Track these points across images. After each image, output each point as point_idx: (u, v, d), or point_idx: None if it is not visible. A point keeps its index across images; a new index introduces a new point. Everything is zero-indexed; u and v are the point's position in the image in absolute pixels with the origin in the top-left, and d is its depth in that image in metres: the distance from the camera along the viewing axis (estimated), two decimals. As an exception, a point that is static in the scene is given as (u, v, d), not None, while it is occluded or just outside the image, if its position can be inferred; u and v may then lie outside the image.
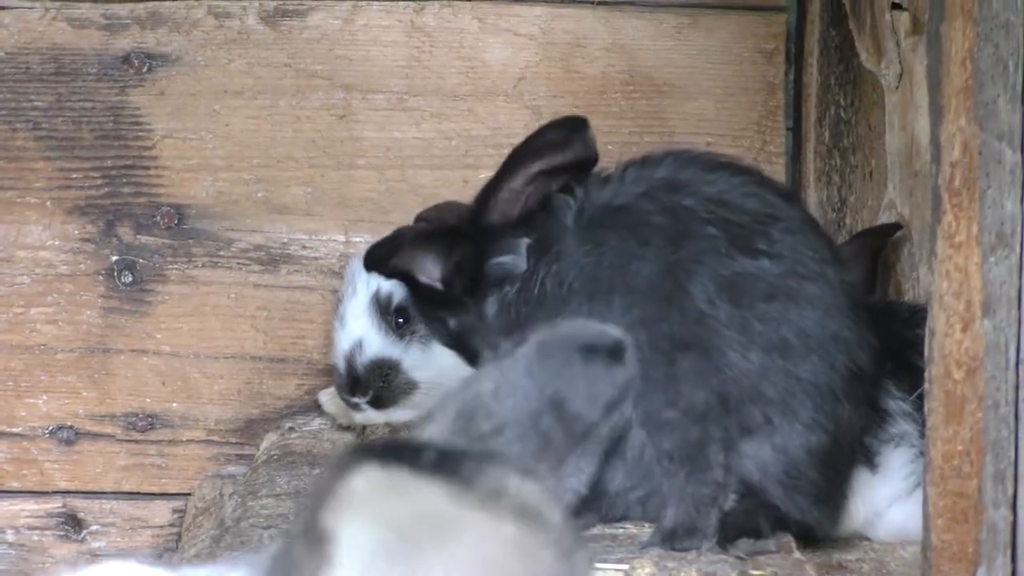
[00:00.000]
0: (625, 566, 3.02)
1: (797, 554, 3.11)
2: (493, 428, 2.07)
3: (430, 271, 3.49)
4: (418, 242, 3.54)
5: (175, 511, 4.02)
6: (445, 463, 1.81)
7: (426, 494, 1.79)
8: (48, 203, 4.24)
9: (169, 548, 4.13)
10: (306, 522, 1.77)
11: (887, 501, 3.36)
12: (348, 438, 3.96)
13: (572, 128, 3.39)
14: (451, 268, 3.44)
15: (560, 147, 3.37)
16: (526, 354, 2.14)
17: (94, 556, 4.17)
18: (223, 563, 2.01)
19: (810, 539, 3.19)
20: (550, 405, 2.14)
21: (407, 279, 3.60)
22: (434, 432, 2.06)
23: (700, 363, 3.21)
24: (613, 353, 2.18)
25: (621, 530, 3.24)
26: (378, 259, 3.58)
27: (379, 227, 3.91)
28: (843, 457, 3.26)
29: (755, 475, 3.18)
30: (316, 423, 4.08)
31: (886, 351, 3.30)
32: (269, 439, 4.05)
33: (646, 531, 3.21)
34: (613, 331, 2.19)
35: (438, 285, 3.47)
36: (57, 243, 4.24)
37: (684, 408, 3.20)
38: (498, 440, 2.07)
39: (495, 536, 1.80)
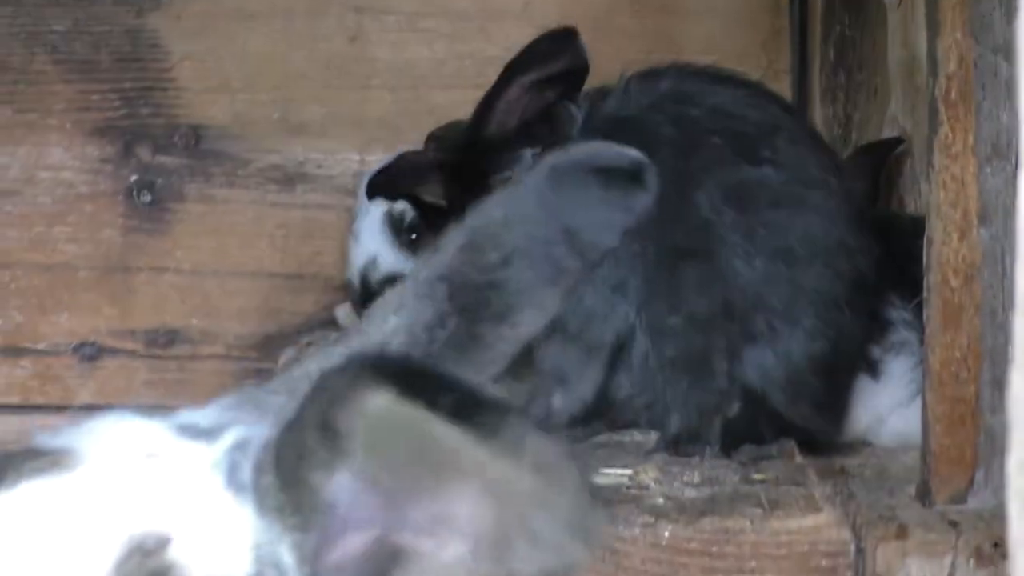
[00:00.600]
0: (630, 471, 3.04)
1: (799, 459, 3.13)
2: (502, 258, 2.01)
3: (433, 191, 3.50)
4: (418, 165, 3.56)
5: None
6: (465, 410, 1.70)
7: (439, 437, 1.70)
8: (68, 125, 4.26)
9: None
10: (320, 416, 1.75)
11: (889, 408, 3.37)
12: (362, 355, 3.98)
13: (563, 38, 3.39)
14: (454, 186, 3.45)
15: (553, 56, 3.36)
16: (537, 179, 2.07)
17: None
18: (226, 407, 1.95)
19: (813, 445, 3.20)
20: (563, 233, 2.07)
21: (412, 201, 3.63)
22: (441, 263, 2.01)
23: (704, 271, 3.23)
24: (632, 175, 2.10)
25: (628, 438, 3.26)
26: (380, 186, 3.60)
27: (393, 146, 3.92)
28: (844, 364, 3.28)
29: (758, 382, 3.19)
30: (333, 338, 4.10)
31: (888, 261, 3.31)
32: (287, 354, 4.07)
33: (652, 438, 3.24)
34: (632, 152, 2.12)
35: (443, 203, 3.48)
36: (77, 164, 4.25)
37: (687, 316, 3.22)
38: (507, 271, 2.02)
39: (507, 488, 1.73)
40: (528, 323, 2.00)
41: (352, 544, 1.77)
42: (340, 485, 1.73)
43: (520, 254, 1.99)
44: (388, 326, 1.97)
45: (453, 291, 1.95)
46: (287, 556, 1.77)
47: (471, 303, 1.95)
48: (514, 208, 2.03)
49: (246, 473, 1.76)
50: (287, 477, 1.72)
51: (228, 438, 1.81)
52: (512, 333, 1.99)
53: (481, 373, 1.98)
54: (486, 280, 1.97)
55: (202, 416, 1.91)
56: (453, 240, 1.98)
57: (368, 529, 1.77)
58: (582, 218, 2.02)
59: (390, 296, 1.99)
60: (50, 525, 1.85)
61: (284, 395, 1.90)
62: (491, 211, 2.02)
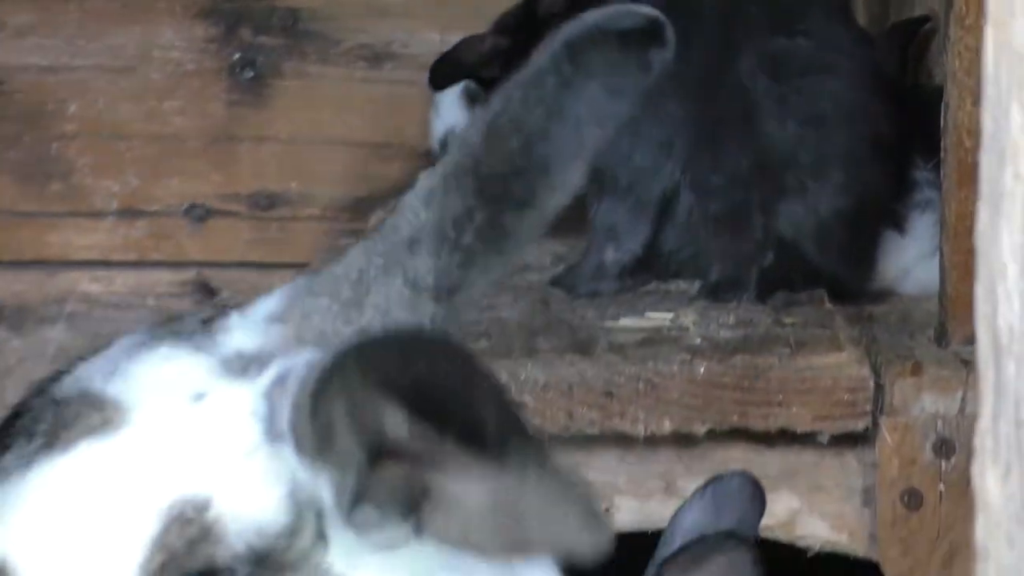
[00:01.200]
0: (671, 314, 3.07)
1: (828, 305, 3.14)
2: (523, 143, 1.91)
3: (493, 72, 3.51)
4: (475, 49, 3.57)
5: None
6: (472, 438, 1.69)
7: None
8: (177, 8, 4.29)
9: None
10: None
11: (913, 260, 3.37)
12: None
13: None
14: (510, 68, 3.44)
15: None
16: (553, 52, 1.94)
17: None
18: (273, 316, 1.91)
19: (842, 293, 3.21)
20: (584, 103, 1.96)
21: (477, 80, 3.65)
22: (467, 153, 1.88)
23: (742, 133, 3.23)
24: (649, 33, 1.98)
25: (673, 286, 3.28)
26: (441, 72, 3.62)
27: (473, 27, 3.92)
28: (870, 218, 3.28)
29: (791, 235, 3.19)
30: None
31: (914, 127, 3.31)
32: (377, 216, 4.09)
33: (694, 286, 3.26)
34: (645, 9, 1.98)
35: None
36: (185, 44, 4.29)
37: (727, 174, 3.23)
38: (529, 155, 1.92)
39: (512, 497, 1.71)
40: (554, 203, 1.93)
41: (387, 478, 1.74)
42: (376, 421, 1.71)
43: (541, 134, 1.90)
44: (419, 220, 1.86)
45: (479, 183, 1.86)
46: (326, 498, 1.75)
47: (497, 194, 1.87)
48: (533, 87, 1.93)
49: (284, 419, 1.73)
50: (323, 420, 1.69)
51: (269, 373, 1.78)
52: (538, 215, 1.91)
53: (511, 259, 1.91)
54: (510, 168, 1.89)
55: (248, 336, 1.87)
56: (477, 127, 1.89)
57: (403, 463, 1.74)
58: (600, 83, 1.93)
59: (422, 185, 1.89)
60: (97, 495, 1.86)
61: (327, 297, 1.86)
62: (511, 93, 1.92)
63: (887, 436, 2.86)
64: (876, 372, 2.87)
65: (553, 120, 1.89)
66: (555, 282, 3.29)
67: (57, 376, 2.54)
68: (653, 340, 2.96)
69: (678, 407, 2.84)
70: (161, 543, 1.77)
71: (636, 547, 3.03)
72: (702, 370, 2.85)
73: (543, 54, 1.92)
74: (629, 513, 2.92)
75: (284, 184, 4.36)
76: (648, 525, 2.90)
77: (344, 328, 1.83)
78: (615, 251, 3.25)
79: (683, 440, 2.88)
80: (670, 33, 1.94)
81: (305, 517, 1.79)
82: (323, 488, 1.75)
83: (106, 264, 4.25)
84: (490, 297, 3.23)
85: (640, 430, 2.84)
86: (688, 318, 3.04)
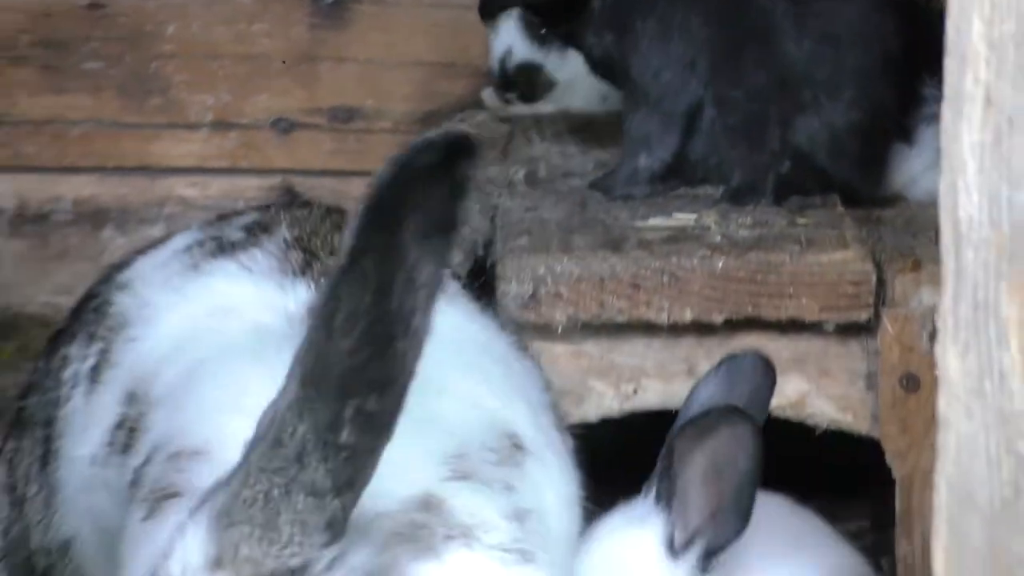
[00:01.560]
0: (695, 215, 3.06)
1: (840, 209, 3.13)
2: (363, 332, 1.75)
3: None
4: None
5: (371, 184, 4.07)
6: None
7: None
8: (266, -62, 4.31)
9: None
10: None
11: (920, 170, 3.34)
12: (504, 128, 3.98)
13: None
14: None
15: None
16: (362, 233, 1.70)
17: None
18: None
19: (853, 199, 3.19)
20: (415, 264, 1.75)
21: (526, 8, 3.63)
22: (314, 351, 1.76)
23: (761, 52, 3.20)
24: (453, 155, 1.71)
25: (699, 191, 3.26)
26: (489, 6, 3.61)
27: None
28: (880, 131, 3.25)
29: (805, 145, 3.17)
30: (480, 116, 4.11)
31: (921, 44, 3.27)
32: (445, 127, 4.11)
33: (718, 191, 3.24)
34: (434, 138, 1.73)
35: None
36: (272, -30, 4.32)
37: (747, 89, 3.21)
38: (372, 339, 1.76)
39: None
40: (414, 355, 1.77)
41: None
42: None
43: (379, 314, 1.72)
44: (298, 435, 1.77)
45: (337, 384, 1.73)
46: None
47: (356, 386, 1.74)
48: (354, 275, 1.71)
49: None
50: None
51: None
52: (401, 382, 1.77)
53: (394, 425, 1.81)
54: (360, 359, 1.73)
55: None
56: (317, 331, 1.74)
57: None
58: (417, 232, 1.69)
59: (286, 397, 1.77)
60: None
61: (246, 525, 1.84)
62: (338, 288, 1.72)
63: (888, 326, 2.85)
64: (879, 268, 2.86)
65: (382, 296, 1.71)
66: (593, 186, 3.29)
67: (121, 265, 2.56)
68: (678, 238, 2.96)
69: (698, 298, 2.84)
70: None
71: (662, 425, 3.06)
72: (720, 265, 2.85)
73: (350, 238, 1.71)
74: (655, 394, 2.93)
75: (361, 100, 4.34)
76: (673, 405, 2.90)
77: (267, 552, 1.80)
78: (647, 159, 3.24)
79: (703, 328, 2.88)
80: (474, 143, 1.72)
81: None
82: None
83: (201, 171, 4.26)
84: (534, 199, 3.24)
85: (664, 318, 2.85)
86: (710, 219, 3.04)
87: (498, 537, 1.99)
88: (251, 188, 4.25)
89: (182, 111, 4.27)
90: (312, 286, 2.22)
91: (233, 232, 2.40)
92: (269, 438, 1.78)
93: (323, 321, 1.73)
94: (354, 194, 4.15)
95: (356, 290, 1.70)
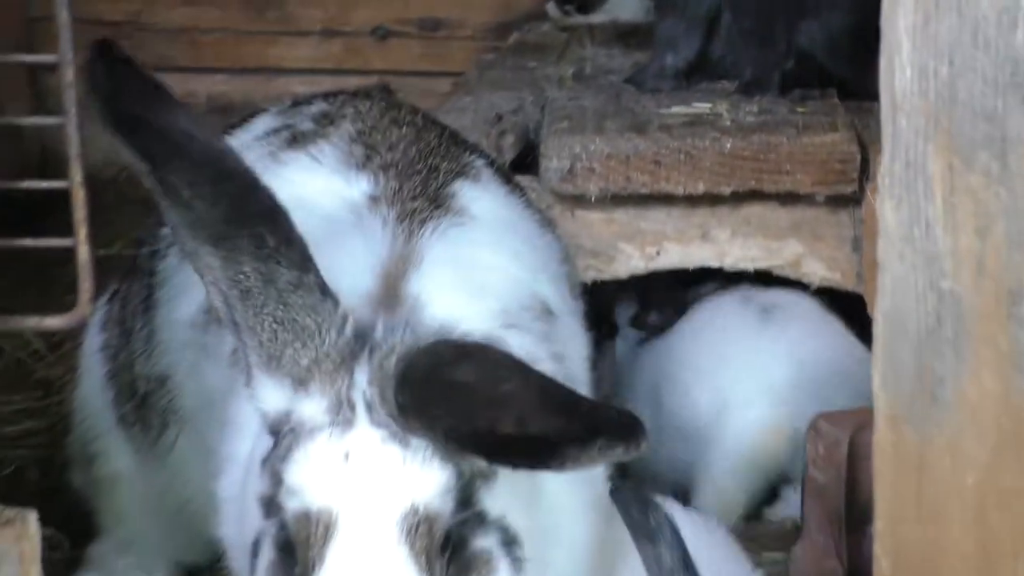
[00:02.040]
0: (710, 104, 3.04)
1: (835, 100, 3.08)
2: None
3: None
4: None
5: (453, 83, 4.04)
6: None
7: None
8: None
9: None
10: None
11: None
12: (562, 36, 3.95)
13: None
14: None
15: None
16: None
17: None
18: None
19: (848, 93, 3.13)
20: None
21: None
22: None
23: None
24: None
25: (718, 85, 3.20)
26: None
27: None
28: (872, 33, 3.18)
29: (807, 46, 3.12)
30: (544, 26, 4.09)
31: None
32: (514, 36, 4.07)
33: (732, 85, 3.20)
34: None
35: None
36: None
37: None
38: None
39: None
40: None
41: None
42: None
43: None
44: None
45: None
46: None
47: None
48: None
49: None
50: None
51: None
52: None
53: None
54: None
55: None
56: None
57: None
58: None
59: None
60: None
61: None
62: None
63: (871, 198, 2.83)
64: (863, 149, 2.82)
65: None
66: (627, 81, 3.27)
67: (228, 129, 2.55)
68: (694, 123, 2.94)
69: (709, 173, 2.82)
70: None
71: (680, 279, 3.06)
72: (728, 145, 2.83)
73: None
74: (675, 255, 2.92)
75: (446, 12, 4.35)
76: (688, 264, 2.92)
77: None
78: (673, 58, 3.21)
79: (714, 199, 2.86)
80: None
81: None
82: None
83: (311, 72, 4.28)
84: (578, 92, 3.23)
85: (680, 191, 2.83)
86: (722, 107, 3.01)
87: (548, 367, 1.98)
88: (352, 86, 4.25)
89: (296, 21, 4.30)
90: (372, 178, 2.18)
91: (304, 122, 2.36)
92: None
93: None
94: (438, 91, 4.18)
95: None
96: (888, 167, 1.74)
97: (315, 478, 1.78)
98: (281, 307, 1.78)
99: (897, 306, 1.75)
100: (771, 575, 2.43)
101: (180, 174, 1.75)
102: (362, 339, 1.82)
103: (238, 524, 1.97)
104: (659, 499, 2.20)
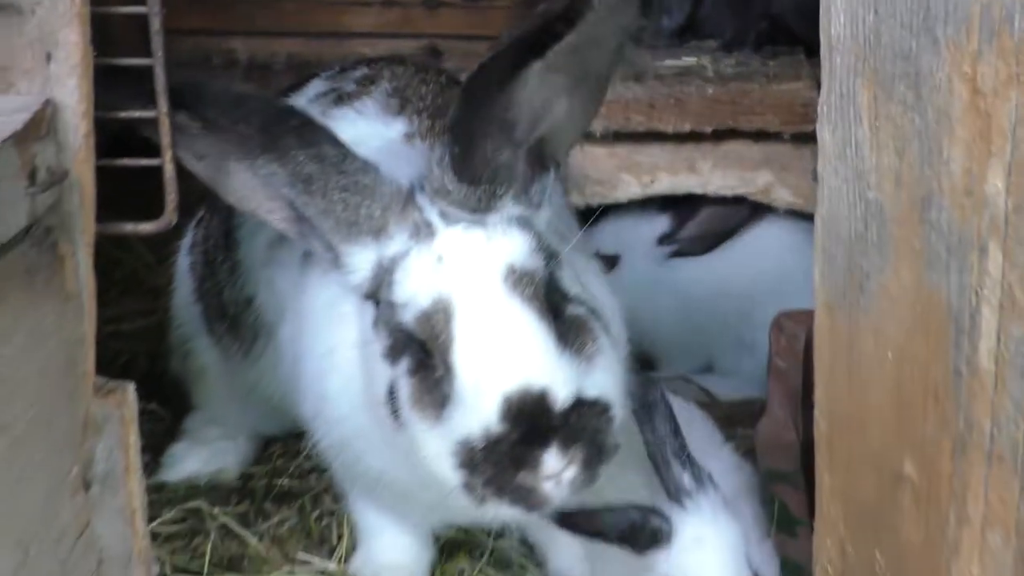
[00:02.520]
0: (695, 58, 3.03)
1: (801, 56, 3.07)
2: None
3: None
4: None
5: (490, 46, 3.98)
6: None
7: None
8: None
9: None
10: None
11: None
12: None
13: None
14: None
15: None
16: None
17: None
18: None
19: (812, 50, 3.10)
20: None
21: None
22: None
23: None
24: None
25: (704, 44, 3.18)
26: None
27: None
28: None
29: (778, 10, 3.10)
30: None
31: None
32: (541, 6, 4.04)
33: (715, 43, 3.18)
34: None
35: None
36: None
37: None
38: None
39: None
40: None
41: None
42: None
43: None
44: None
45: None
46: None
47: None
48: None
49: None
50: None
51: None
52: None
53: None
54: None
55: None
56: None
57: None
58: None
59: None
60: None
61: None
62: None
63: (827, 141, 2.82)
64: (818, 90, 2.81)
65: None
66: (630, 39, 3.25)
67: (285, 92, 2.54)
68: (683, 73, 2.94)
69: (694, 114, 2.83)
70: None
71: (670, 201, 3.06)
72: (710, 91, 2.84)
73: None
74: (667, 184, 2.94)
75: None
76: (677, 191, 2.93)
77: None
78: (668, 21, 3.19)
79: (698, 136, 2.87)
80: None
81: None
82: None
83: (373, 35, 4.24)
84: None
85: (671, 129, 2.84)
86: (706, 61, 3.00)
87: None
88: (407, 48, 4.23)
89: (358, -9, 4.27)
90: (407, 121, 2.19)
91: (348, 85, 2.35)
92: None
93: None
94: (479, 53, 4.11)
95: None
96: (826, 98, 1.74)
97: (420, 285, 1.78)
98: (341, 176, 1.81)
99: (832, 212, 1.76)
100: (740, 447, 2.43)
101: (210, 109, 1.81)
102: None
103: (349, 394, 1.97)
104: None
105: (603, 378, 1.80)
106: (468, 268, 1.77)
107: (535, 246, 1.80)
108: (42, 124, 1.66)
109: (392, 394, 1.84)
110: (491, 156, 1.78)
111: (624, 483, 2.08)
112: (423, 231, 1.81)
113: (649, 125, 2.83)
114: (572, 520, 2.00)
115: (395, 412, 1.83)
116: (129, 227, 1.85)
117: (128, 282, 3.32)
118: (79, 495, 1.81)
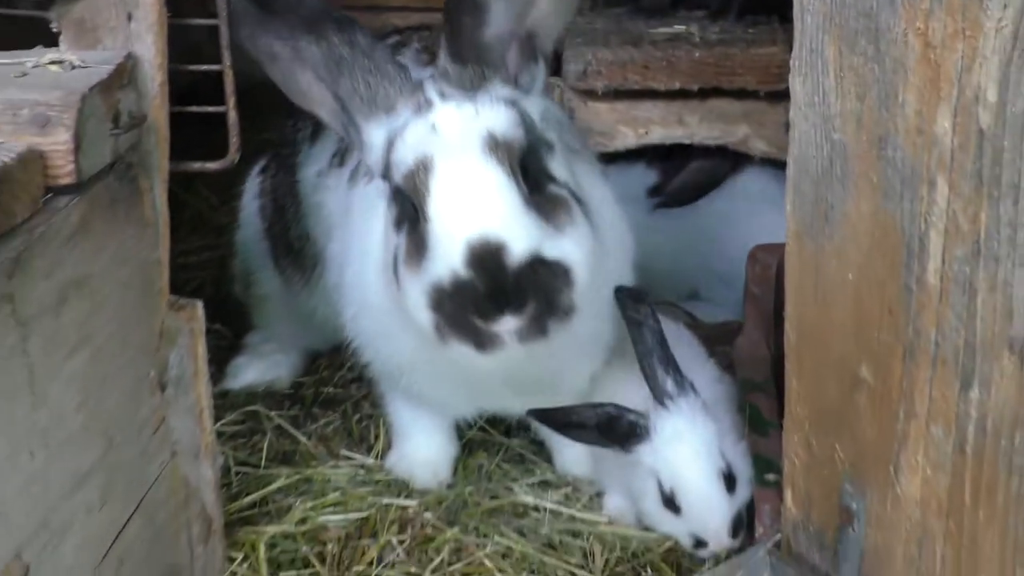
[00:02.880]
0: (684, 26, 2.95)
1: (776, 24, 2.98)
2: None
3: None
4: None
5: None
6: None
7: None
8: None
9: None
10: None
11: None
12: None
13: None
14: None
15: None
16: None
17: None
18: None
19: (786, 19, 3.04)
20: None
21: None
22: None
23: None
24: None
25: (693, 14, 3.04)
26: None
27: None
28: None
29: None
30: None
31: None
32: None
33: (702, 14, 3.12)
34: None
35: None
36: None
37: None
38: None
39: None
40: None
41: None
42: None
43: None
44: None
45: None
46: None
47: None
48: None
49: None
50: None
51: None
52: None
53: None
54: None
55: None
56: None
57: None
58: None
59: None
60: None
61: None
62: None
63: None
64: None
65: None
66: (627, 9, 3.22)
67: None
68: (673, 39, 2.89)
69: (683, 74, 2.80)
70: None
71: (662, 151, 3.05)
72: (697, 55, 2.80)
73: None
74: (659, 134, 2.89)
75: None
76: (668, 140, 2.91)
77: None
78: None
79: (686, 94, 2.84)
80: None
81: None
82: None
83: (407, 9, 4.18)
84: (591, 18, 3.17)
85: (663, 88, 2.82)
86: (694, 28, 2.96)
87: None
88: (434, 19, 4.17)
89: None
90: (434, 70, 2.15)
91: None
92: None
93: None
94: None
95: None
96: (797, 53, 1.74)
97: (412, 147, 1.79)
98: (367, 60, 1.83)
99: (802, 153, 1.76)
100: (721, 363, 2.44)
101: None
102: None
103: (368, 275, 1.98)
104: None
105: (569, 245, 1.78)
106: (453, 133, 1.78)
107: (518, 122, 1.80)
108: (124, 74, 1.68)
109: (395, 258, 1.86)
110: (478, 40, 1.79)
111: (621, 387, 2.09)
112: (423, 107, 1.82)
113: (644, 84, 2.80)
114: (549, 416, 2.00)
115: (396, 273, 1.85)
116: (197, 165, 1.87)
117: (195, 221, 3.34)
118: (156, 395, 1.83)
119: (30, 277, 1.49)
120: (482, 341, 1.73)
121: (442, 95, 1.82)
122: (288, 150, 2.53)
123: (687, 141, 2.90)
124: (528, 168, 1.80)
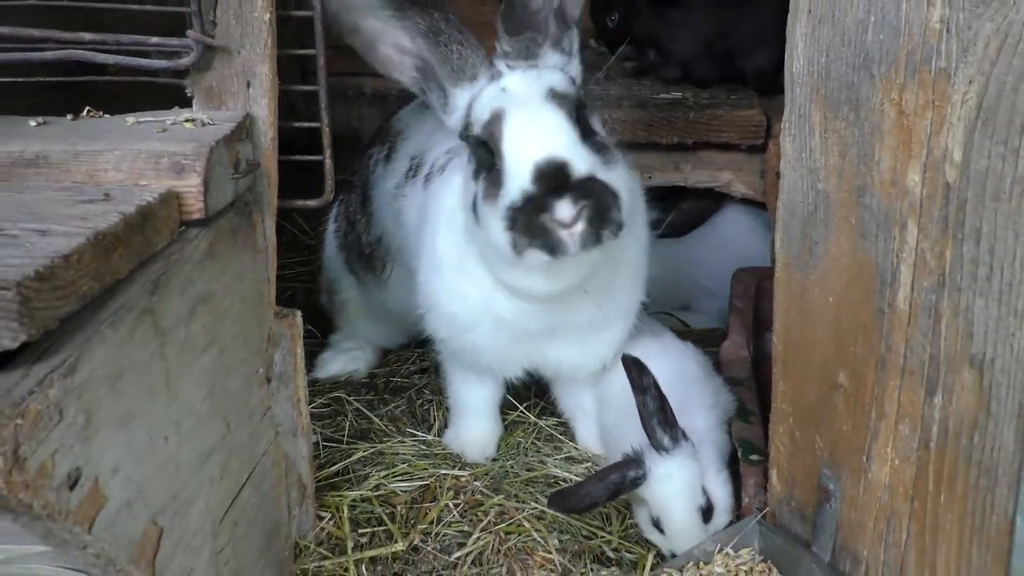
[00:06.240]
0: (681, 93, 2.89)
1: (752, 92, 2.92)
2: None
3: None
4: None
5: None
6: None
7: None
8: None
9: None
10: None
11: None
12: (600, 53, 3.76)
13: None
14: None
15: None
16: None
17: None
18: None
19: (763, 91, 2.93)
20: None
21: None
22: None
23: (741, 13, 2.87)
24: None
25: (687, 84, 3.07)
26: None
27: None
28: (779, 68, 2.89)
29: (741, 69, 2.94)
30: (588, 49, 3.91)
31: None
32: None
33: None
34: None
35: None
36: None
37: (726, 39, 2.91)
38: None
39: None
40: None
41: None
42: None
43: None
44: None
45: None
46: None
47: None
48: None
49: None
50: None
51: None
52: None
53: None
54: None
55: None
56: None
57: None
58: None
59: None
60: None
61: None
62: None
63: (771, 147, 2.72)
64: (768, 118, 2.71)
65: None
66: (637, 76, 3.11)
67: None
68: (673, 103, 2.79)
69: (680, 131, 2.72)
70: None
71: (663, 194, 2.96)
72: (691, 116, 2.72)
73: None
74: (659, 179, 2.83)
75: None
76: (667, 183, 2.83)
77: None
78: (671, 72, 3.02)
79: (683, 147, 2.77)
80: None
81: None
82: None
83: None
84: (606, 85, 3.07)
85: (664, 142, 2.74)
86: (689, 94, 2.88)
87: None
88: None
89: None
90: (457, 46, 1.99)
91: None
92: None
93: None
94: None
95: None
96: (788, 116, 1.65)
97: (487, 104, 1.73)
98: (459, 34, 1.75)
99: (791, 199, 1.68)
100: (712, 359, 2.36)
101: None
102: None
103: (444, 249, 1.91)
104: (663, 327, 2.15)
105: (616, 178, 1.68)
106: (520, 91, 1.72)
107: (569, 81, 1.75)
108: (243, 130, 1.63)
109: (474, 201, 1.77)
110: (527, 11, 1.74)
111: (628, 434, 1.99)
112: (496, 75, 1.76)
113: (648, 138, 2.73)
114: (563, 500, 1.84)
115: (475, 212, 1.76)
116: (300, 203, 1.79)
117: (291, 243, 3.28)
118: (264, 387, 1.77)
119: (168, 294, 1.43)
120: (551, 244, 1.62)
121: (510, 67, 1.76)
122: (360, 177, 2.45)
123: (681, 184, 2.83)
124: (579, 118, 1.73)
